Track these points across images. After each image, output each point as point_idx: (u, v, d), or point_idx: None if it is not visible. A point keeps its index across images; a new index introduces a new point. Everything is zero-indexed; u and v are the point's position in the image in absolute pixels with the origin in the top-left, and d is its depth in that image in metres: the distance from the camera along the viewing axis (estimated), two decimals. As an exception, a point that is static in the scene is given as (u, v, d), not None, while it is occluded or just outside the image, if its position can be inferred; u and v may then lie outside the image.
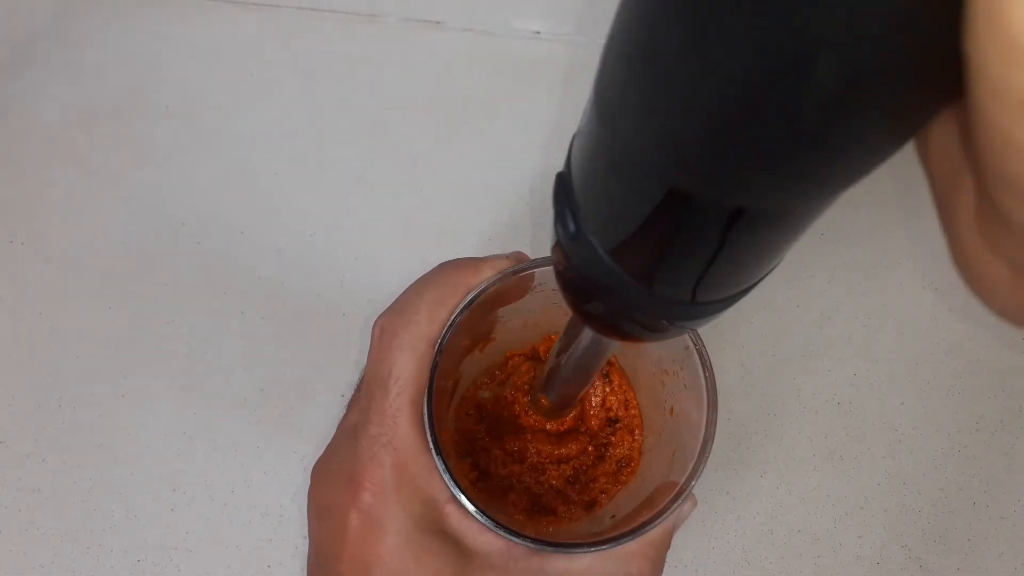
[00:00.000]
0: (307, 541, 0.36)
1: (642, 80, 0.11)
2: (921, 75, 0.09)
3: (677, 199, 0.12)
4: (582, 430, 0.32)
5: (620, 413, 0.33)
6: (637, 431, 0.32)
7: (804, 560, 0.36)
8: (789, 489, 0.37)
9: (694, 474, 0.24)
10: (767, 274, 0.15)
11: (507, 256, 0.26)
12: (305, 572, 0.35)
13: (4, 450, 0.37)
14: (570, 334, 0.23)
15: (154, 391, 0.38)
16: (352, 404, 0.27)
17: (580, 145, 0.14)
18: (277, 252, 0.41)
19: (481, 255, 0.27)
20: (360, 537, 0.23)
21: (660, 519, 0.23)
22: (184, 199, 0.42)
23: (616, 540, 0.23)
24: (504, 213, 0.42)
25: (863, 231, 0.43)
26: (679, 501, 0.24)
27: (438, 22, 0.46)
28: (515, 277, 0.26)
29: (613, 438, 0.32)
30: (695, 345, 0.26)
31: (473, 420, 0.32)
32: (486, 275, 0.25)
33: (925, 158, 0.12)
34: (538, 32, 0.46)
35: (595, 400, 0.33)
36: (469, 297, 0.25)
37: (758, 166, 0.11)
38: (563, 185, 0.15)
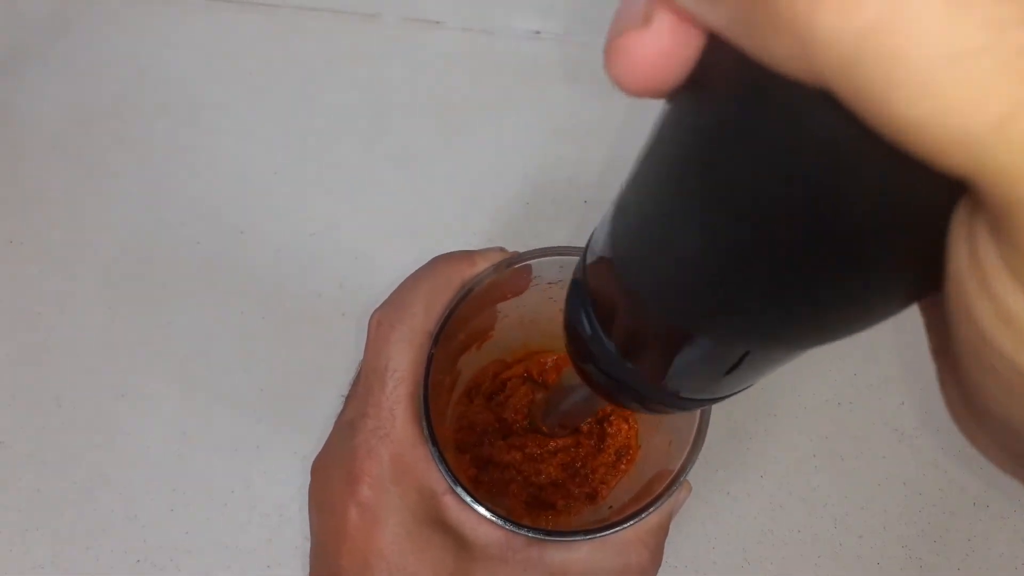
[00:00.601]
0: (307, 541, 0.36)
1: (652, 248, 0.12)
2: (918, 271, 0.10)
3: (682, 336, 0.13)
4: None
5: (608, 408, 0.33)
6: (631, 418, 0.32)
7: (804, 560, 0.36)
8: (789, 489, 0.37)
9: (689, 461, 0.24)
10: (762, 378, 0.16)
11: (501, 249, 0.26)
12: (305, 572, 0.35)
13: (4, 450, 0.37)
14: (570, 382, 0.23)
15: (153, 391, 0.38)
16: (349, 399, 0.27)
17: (595, 269, 0.15)
18: (277, 252, 0.41)
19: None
20: (359, 530, 0.23)
21: (655, 506, 0.24)
22: (183, 199, 0.42)
23: (612, 527, 0.23)
24: (504, 213, 0.42)
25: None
26: (674, 488, 0.24)
27: (438, 22, 0.46)
28: (510, 269, 0.26)
29: (610, 429, 0.32)
30: None
31: (474, 423, 0.32)
32: (481, 267, 0.25)
33: (923, 310, 0.12)
34: (538, 32, 0.46)
35: None
36: (465, 289, 0.25)
37: (759, 327, 0.12)
38: (578, 291, 0.16)
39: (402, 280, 0.27)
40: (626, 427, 0.32)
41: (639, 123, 0.43)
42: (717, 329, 0.13)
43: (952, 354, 0.10)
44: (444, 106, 0.45)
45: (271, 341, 0.39)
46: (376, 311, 0.26)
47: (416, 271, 0.26)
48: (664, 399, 0.16)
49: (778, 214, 0.09)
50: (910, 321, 0.41)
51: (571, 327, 0.17)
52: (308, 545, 0.36)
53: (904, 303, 0.11)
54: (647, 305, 0.13)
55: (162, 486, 0.37)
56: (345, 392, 0.38)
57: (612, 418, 0.32)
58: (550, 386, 0.32)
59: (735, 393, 0.16)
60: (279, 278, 0.40)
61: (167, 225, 0.41)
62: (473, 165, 0.43)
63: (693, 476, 0.37)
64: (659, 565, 0.25)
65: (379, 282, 0.40)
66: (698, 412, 0.25)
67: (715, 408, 0.39)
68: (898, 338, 0.40)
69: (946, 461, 0.38)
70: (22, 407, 0.38)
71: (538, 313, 0.31)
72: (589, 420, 0.32)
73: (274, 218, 0.42)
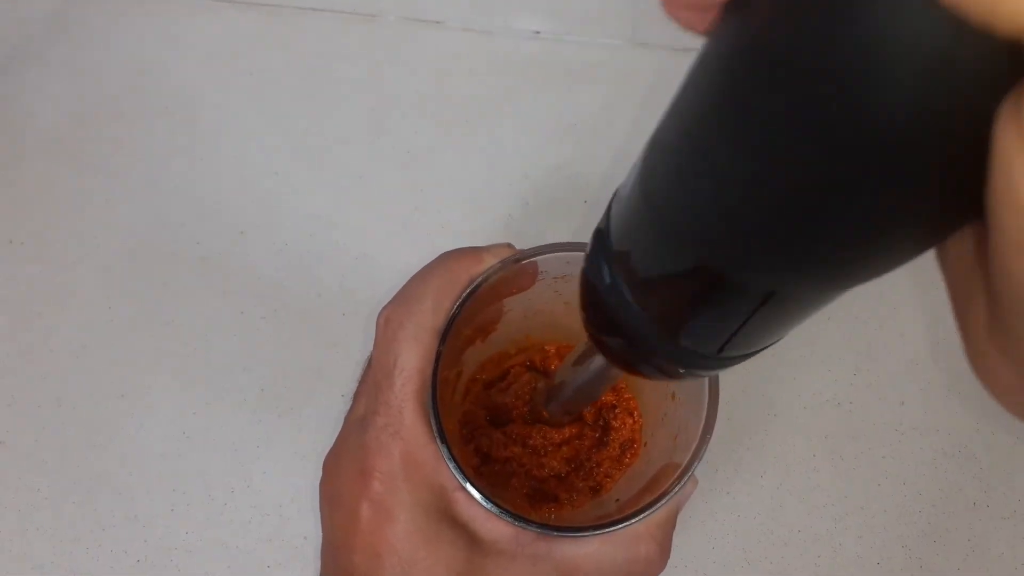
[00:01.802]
0: (306, 541, 0.36)
1: (686, 178, 0.12)
2: (948, 195, 0.10)
3: (708, 275, 0.13)
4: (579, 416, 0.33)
5: (610, 397, 0.33)
6: (636, 412, 0.32)
7: (804, 560, 0.36)
8: (789, 489, 0.37)
9: (697, 454, 0.24)
10: (782, 338, 0.16)
11: (508, 245, 0.26)
12: (304, 571, 0.35)
13: (4, 450, 0.37)
14: (580, 361, 0.23)
15: (154, 391, 0.38)
16: (358, 395, 0.27)
17: (621, 212, 0.15)
18: (277, 252, 0.41)
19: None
20: (371, 526, 0.23)
21: (665, 500, 0.24)
22: (184, 199, 0.42)
23: (622, 522, 0.23)
24: (504, 212, 0.42)
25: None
26: (683, 482, 0.24)
27: (438, 22, 0.46)
28: (517, 265, 0.26)
29: (614, 422, 0.32)
30: None
31: (475, 411, 0.32)
32: (488, 264, 0.25)
33: (943, 262, 0.12)
34: (538, 32, 0.46)
35: None
36: (472, 286, 0.25)
37: (786, 260, 0.12)
38: (600, 240, 0.16)
39: (406, 278, 0.27)
40: (631, 421, 0.32)
41: (639, 123, 0.43)
42: (752, 258, 0.12)
43: (987, 272, 0.10)
44: (444, 106, 0.45)
45: (271, 341, 0.39)
46: (384, 308, 0.26)
47: (424, 267, 0.27)
48: (679, 356, 0.16)
49: (818, 119, 0.09)
50: (910, 321, 0.41)
51: (588, 282, 0.17)
52: (308, 545, 0.36)
53: (938, 228, 0.11)
54: (674, 237, 0.13)
55: (162, 486, 0.37)
56: (346, 392, 0.38)
57: (617, 411, 0.32)
58: (552, 373, 0.32)
59: (747, 355, 0.16)
60: (279, 278, 0.40)
61: (167, 225, 0.41)
62: (473, 165, 0.43)
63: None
64: (667, 558, 0.25)
65: (379, 282, 0.40)
66: (705, 405, 0.25)
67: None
68: (898, 338, 0.40)
69: (946, 461, 0.38)
70: (22, 407, 0.38)
71: (543, 307, 0.31)
72: (593, 413, 0.32)
73: (274, 218, 0.42)
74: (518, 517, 0.23)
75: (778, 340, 0.16)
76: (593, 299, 0.17)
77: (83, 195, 0.42)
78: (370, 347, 0.26)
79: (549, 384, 0.28)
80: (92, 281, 0.40)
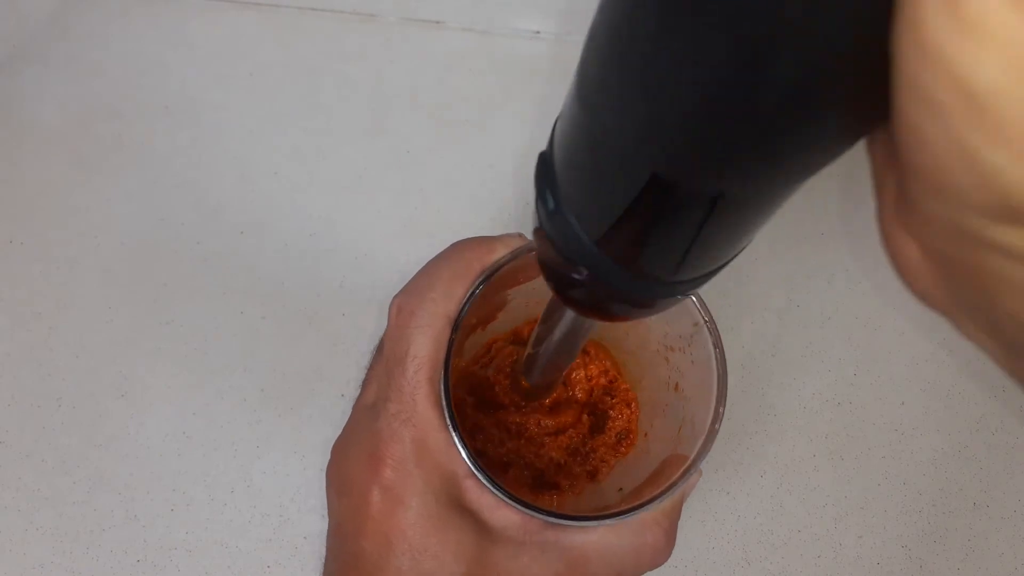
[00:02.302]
0: (307, 541, 0.36)
1: (620, 71, 0.12)
2: (863, 75, 0.10)
3: (651, 181, 0.13)
4: (572, 400, 0.33)
5: (601, 381, 0.33)
6: (633, 404, 0.33)
7: (804, 560, 0.36)
8: (789, 489, 0.37)
9: (705, 447, 0.24)
10: (740, 253, 0.16)
11: (520, 235, 0.27)
12: (305, 571, 0.35)
13: (4, 450, 0.37)
14: (548, 318, 0.23)
15: (154, 391, 0.38)
16: (368, 381, 0.27)
17: (562, 128, 0.15)
18: (277, 252, 0.41)
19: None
20: (382, 512, 0.23)
21: (672, 490, 0.24)
22: (184, 199, 0.42)
23: (630, 511, 0.24)
24: (504, 212, 0.42)
25: (863, 231, 0.43)
26: (690, 473, 0.24)
27: (438, 22, 0.46)
28: (529, 255, 0.26)
29: (612, 412, 0.32)
30: (705, 321, 0.26)
31: (462, 397, 0.33)
32: (500, 253, 0.26)
33: (871, 153, 0.13)
34: (538, 32, 0.46)
35: (579, 373, 0.33)
36: (484, 275, 0.25)
37: (724, 152, 0.11)
38: (544, 165, 0.16)
39: (406, 278, 0.27)
40: (628, 411, 0.33)
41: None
42: (683, 152, 0.12)
43: (894, 139, 0.10)
44: (444, 106, 0.45)
45: (271, 341, 0.39)
46: (396, 297, 0.26)
47: (436, 256, 0.27)
48: (633, 284, 0.16)
49: (738, 15, 0.09)
50: (909, 322, 0.41)
51: (537, 213, 0.16)
52: (308, 545, 0.36)
53: (857, 118, 0.11)
54: (610, 142, 0.13)
55: (162, 486, 0.37)
56: (346, 392, 0.38)
57: (615, 401, 0.33)
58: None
59: (703, 276, 0.16)
60: (279, 278, 0.40)
61: (168, 225, 0.41)
62: (473, 165, 0.43)
63: (693, 476, 0.37)
64: (672, 546, 0.25)
65: (379, 282, 0.40)
66: (713, 398, 0.25)
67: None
68: (897, 338, 0.40)
69: (946, 461, 0.38)
70: (22, 407, 0.38)
71: (544, 295, 0.31)
72: (589, 403, 0.33)
73: (274, 218, 0.42)
74: (527, 504, 0.23)
75: (732, 258, 0.16)
76: (540, 228, 0.16)
77: (83, 195, 0.42)
78: (372, 345, 0.27)
79: (525, 352, 0.28)
80: (92, 281, 0.40)
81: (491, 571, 0.23)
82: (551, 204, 0.15)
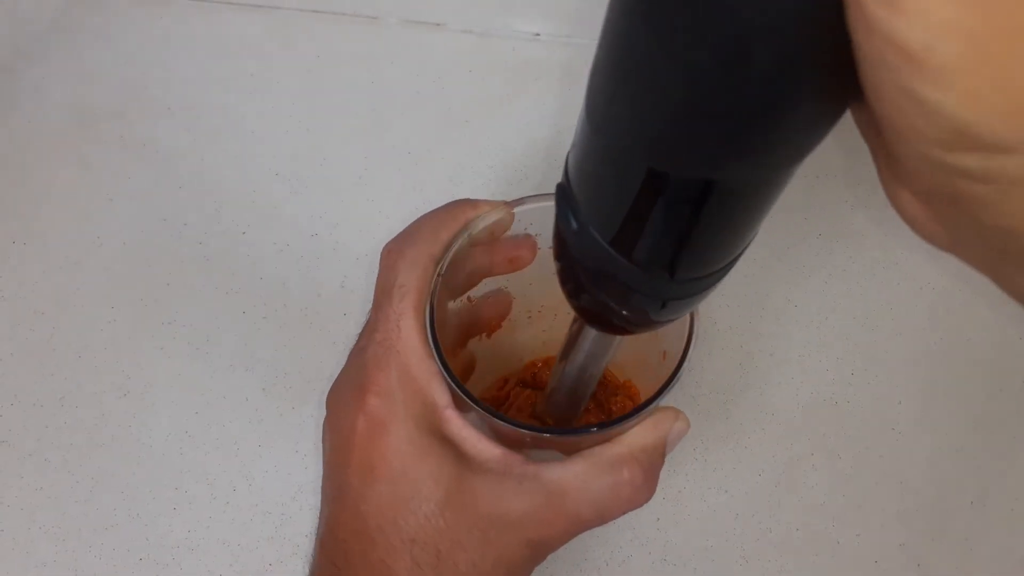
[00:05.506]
0: (308, 539, 0.36)
1: (619, 87, 0.14)
2: (832, 59, 0.11)
3: (656, 178, 0.14)
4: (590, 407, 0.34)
5: (615, 382, 0.34)
6: (637, 396, 0.34)
7: (803, 560, 0.36)
8: (788, 488, 0.37)
9: (680, 364, 0.24)
10: (742, 252, 0.17)
11: (504, 202, 0.28)
12: (306, 570, 0.35)
13: (6, 449, 0.37)
14: (568, 351, 0.24)
15: (156, 390, 0.38)
16: (361, 334, 0.28)
17: (575, 155, 0.17)
18: (278, 252, 0.41)
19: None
20: (366, 439, 0.24)
21: (650, 406, 0.24)
22: (185, 199, 0.42)
23: (607, 425, 0.24)
24: (504, 213, 0.42)
25: (862, 231, 0.43)
26: (668, 389, 0.24)
27: (439, 24, 0.46)
28: (510, 215, 0.27)
29: (615, 407, 0.34)
30: None
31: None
32: (483, 210, 0.27)
33: (862, 130, 0.14)
34: (538, 34, 0.46)
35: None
36: (470, 225, 0.26)
37: (716, 141, 0.13)
38: (563, 192, 0.17)
39: None
40: (631, 404, 0.33)
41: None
42: (679, 145, 0.13)
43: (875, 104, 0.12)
44: (444, 107, 0.45)
45: (273, 340, 0.39)
46: (387, 243, 0.27)
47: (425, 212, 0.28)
48: (657, 288, 0.17)
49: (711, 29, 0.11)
50: (910, 321, 0.41)
51: (558, 236, 0.18)
52: (309, 543, 0.36)
53: (835, 97, 0.12)
54: (617, 151, 0.15)
55: (164, 484, 0.37)
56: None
57: (618, 398, 0.33)
58: (545, 384, 0.33)
59: (725, 268, 0.17)
60: (280, 278, 0.41)
61: (169, 225, 0.42)
62: (473, 166, 0.43)
63: (691, 473, 0.37)
64: (653, 488, 0.25)
65: (380, 282, 0.40)
66: (687, 323, 0.25)
67: (714, 407, 0.40)
68: (895, 338, 0.40)
69: (943, 460, 0.38)
70: (25, 406, 0.38)
71: (545, 300, 0.31)
72: (593, 402, 0.33)
73: (275, 218, 0.42)
74: (504, 418, 0.23)
75: (732, 262, 0.17)
76: (566, 251, 0.18)
77: (85, 195, 0.42)
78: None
79: (546, 391, 0.29)
80: (94, 281, 0.40)
81: (469, 499, 0.23)
82: (574, 224, 0.17)
